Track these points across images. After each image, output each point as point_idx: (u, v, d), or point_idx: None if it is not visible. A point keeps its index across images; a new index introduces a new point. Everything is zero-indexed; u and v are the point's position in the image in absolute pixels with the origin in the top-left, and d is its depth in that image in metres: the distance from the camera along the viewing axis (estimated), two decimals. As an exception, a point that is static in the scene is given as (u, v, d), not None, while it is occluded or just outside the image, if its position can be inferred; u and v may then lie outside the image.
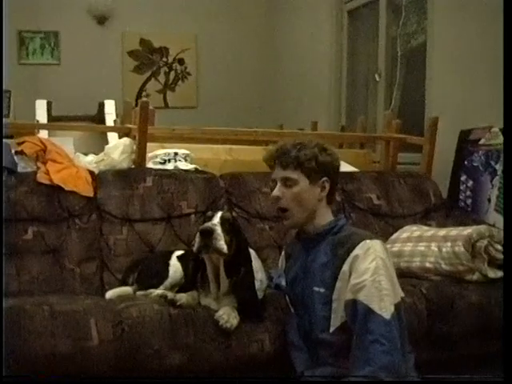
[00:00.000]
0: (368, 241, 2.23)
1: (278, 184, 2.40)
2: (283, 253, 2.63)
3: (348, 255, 2.22)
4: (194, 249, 2.43)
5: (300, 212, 2.37)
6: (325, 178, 2.37)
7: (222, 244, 2.39)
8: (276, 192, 2.40)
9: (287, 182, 2.37)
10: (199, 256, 2.48)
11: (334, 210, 2.50)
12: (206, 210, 3.29)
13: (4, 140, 3.37)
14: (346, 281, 2.21)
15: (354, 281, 2.18)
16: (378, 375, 2.07)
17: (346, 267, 2.21)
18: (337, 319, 2.25)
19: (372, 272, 2.16)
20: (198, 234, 2.41)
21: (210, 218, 2.46)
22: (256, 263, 2.57)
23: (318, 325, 2.32)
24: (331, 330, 2.27)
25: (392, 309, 2.14)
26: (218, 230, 2.40)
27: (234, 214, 3.38)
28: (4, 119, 5.26)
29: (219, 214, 2.48)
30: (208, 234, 2.38)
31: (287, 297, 2.53)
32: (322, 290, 2.29)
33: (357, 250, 2.21)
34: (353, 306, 2.16)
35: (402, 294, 2.27)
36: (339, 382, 2.23)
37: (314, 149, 2.36)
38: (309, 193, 2.36)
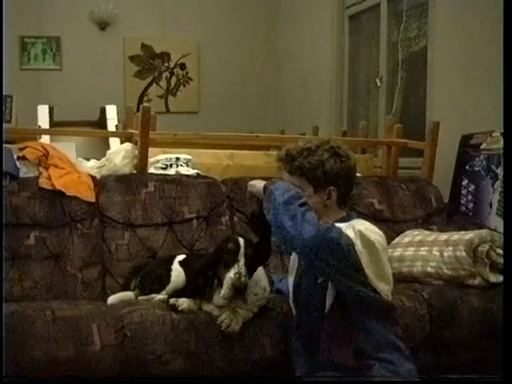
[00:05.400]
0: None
1: None
2: None
3: None
4: (223, 295, 2.40)
5: None
6: (331, 187, 2.31)
7: (248, 297, 2.45)
8: None
9: None
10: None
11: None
12: (207, 215, 3.31)
13: (6, 145, 3.37)
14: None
15: None
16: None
17: None
18: (330, 296, 2.24)
19: None
20: (230, 286, 2.36)
21: (235, 254, 2.39)
22: (259, 270, 2.56)
23: (315, 315, 2.30)
24: (326, 309, 2.24)
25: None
26: (248, 281, 2.39)
27: (237, 217, 3.40)
28: (6, 124, 5.26)
29: (242, 250, 2.40)
30: (242, 291, 2.39)
31: (291, 296, 2.52)
32: (322, 279, 2.27)
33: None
34: None
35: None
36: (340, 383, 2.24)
37: (324, 154, 2.31)
38: (313, 200, 2.30)
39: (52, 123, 5.35)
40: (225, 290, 2.39)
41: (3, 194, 3.04)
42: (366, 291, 2.18)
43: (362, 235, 2.19)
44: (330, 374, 2.27)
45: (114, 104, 5.70)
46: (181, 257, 2.88)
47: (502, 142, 3.69)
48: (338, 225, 2.20)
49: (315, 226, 2.10)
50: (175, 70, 7.63)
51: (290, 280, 2.54)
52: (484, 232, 3.10)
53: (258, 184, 2.40)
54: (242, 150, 4.05)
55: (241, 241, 2.42)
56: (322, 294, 2.27)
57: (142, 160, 3.46)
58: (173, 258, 2.88)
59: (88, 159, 3.66)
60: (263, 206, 2.27)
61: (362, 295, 2.18)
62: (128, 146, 3.56)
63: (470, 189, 3.94)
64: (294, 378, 2.40)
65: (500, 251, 2.99)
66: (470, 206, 3.92)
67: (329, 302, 2.25)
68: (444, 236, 3.20)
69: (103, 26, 7.28)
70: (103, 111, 5.72)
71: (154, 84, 7.58)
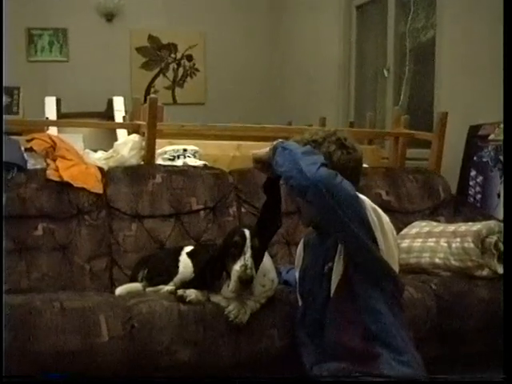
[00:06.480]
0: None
1: None
2: (302, 241, 2.59)
3: None
4: (231, 289, 2.40)
5: (312, 211, 2.32)
6: None
7: (255, 288, 2.44)
8: None
9: None
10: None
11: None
12: (215, 206, 3.31)
13: (13, 137, 3.38)
14: None
15: None
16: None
17: None
18: (336, 277, 2.23)
19: None
20: (236, 279, 2.36)
21: (241, 247, 2.38)
22: (267, 262, 2.55)
23: (321, 302, 2.30)
24: (331, 291, 2.24)
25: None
26: (255, 274, 2.38)
27: (244, 208, 3.40)
28: (13, 116, 5.28)
29: (248, 242, 2.38)
30: (249, 283, 2.38)
31: (297, 288, 2.52)
32: (330, 264, 2.27)
33: None
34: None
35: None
36: (342, 382, 2.24)
37: (331, 146, 2.32)
38: None
39: (59, 115, 5.35)
40: (232, 284, 2.39)
41: (3, 186, 3.04)
42: (378, 254, 2.17)
43: (372, 207, 2.21)
44: (337, 364, 2.27)
45: (121, 95, 5.69)
46: (188, 248, 2.88)
47: (510, 132, 3.68)
48: None
49: (334, 173, 2.12)
50: (182, 62, 7.62)
51: (296, 273, 2.54)
52: (492, 223, 3.09)
53: (263, 149, 2.39)
54: (248, 141, 4.04)
55: (247, 233, 2.41)
56: (327, 280, 2.27)
57: (150, 151, 3.47)
58: (180, 249, 2.89)
59: (95, 150, 3.67)
60: (274, 162, 2.25)
61: (373, 262, 2.18)
62: (135, 137, 3.56)
63: (477, 180, 3.92)
64: (295, 377, 2.40)
65: (508, 242, 2.99)
66: (478, 197, 3.91)
67: (334, 284, 2.25)
68: (452, 227, 3.19)
69: (110, 17, 7.28)
70: (110, 103, 5.71)
71: (161, 75, 7.58)
